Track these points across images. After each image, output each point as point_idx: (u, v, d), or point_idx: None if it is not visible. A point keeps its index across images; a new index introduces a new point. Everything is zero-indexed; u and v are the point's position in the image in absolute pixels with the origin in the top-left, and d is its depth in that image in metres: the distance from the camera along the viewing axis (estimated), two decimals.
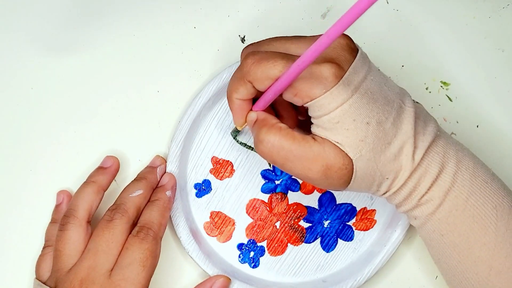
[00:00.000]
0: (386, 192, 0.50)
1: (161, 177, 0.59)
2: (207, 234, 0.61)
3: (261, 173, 0.61)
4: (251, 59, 0.49)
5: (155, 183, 0.59)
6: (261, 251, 0.61)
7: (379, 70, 0.50)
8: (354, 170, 0.48)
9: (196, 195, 0.61)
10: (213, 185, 0.61)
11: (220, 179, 0.61)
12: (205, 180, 0.61)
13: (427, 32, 0.61)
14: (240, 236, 0.61)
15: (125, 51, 0.62)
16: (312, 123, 0.49)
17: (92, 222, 0.57)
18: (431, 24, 0.61)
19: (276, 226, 0.61)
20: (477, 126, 0.61)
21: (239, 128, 0.53)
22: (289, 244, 0.61)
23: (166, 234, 0.59)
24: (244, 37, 0.62)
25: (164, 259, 0.60)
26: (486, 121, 0.61)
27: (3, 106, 0.62)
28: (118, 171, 0.60)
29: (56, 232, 0.56)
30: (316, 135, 0.49)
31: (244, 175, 0.61)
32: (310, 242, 0.61)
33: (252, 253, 0.61)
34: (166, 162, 0.60)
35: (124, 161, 0.61)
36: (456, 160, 0.50)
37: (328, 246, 0.61)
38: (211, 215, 0.61)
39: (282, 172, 0.61)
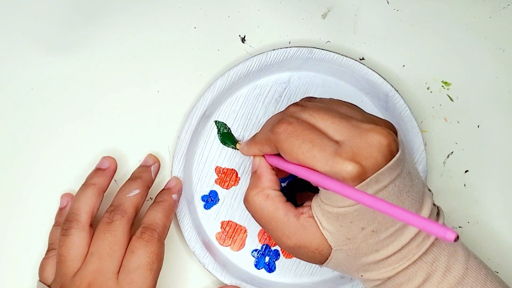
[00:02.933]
0: (363, 282, 0.51)
1: (155, 175, 0.59)
2: (220, 244, 0.60)
3: None
4: (284, 127, 0.48)
5: (151, 181, 0.59)
6: (276, 255, 0.60)
7: (409, 173, 0.48)
8: (329, 258, 0.49)
9: (205, 207, 0.60)
10: (220, 195, 0.60)
11: (226, 188, 0.60)
12: (211, 191, 0.60)
13: (427, 32, 0.62)
14: (253, 242, 0.60)
15: (125, 51, 0.61)
16: (315, 197, 0.49)
17: (93, 225, 0.56)
18: (431, 24, 0.62)
19: None
20: (478, 126, 0.63)
21: (241, 152, 0.54)
22: None
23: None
24: (244, 37, 0.62)
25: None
26: (487, 121, 0.62)
27: (3, 106, 0.61)
28: (115, 172, 0.59)
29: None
30: (305, 212, 0.49)
31: None
32: None
33: (267, 258, 0.60)
34: (159, 160, 0.60)
35: (124, 161, 0.61)
36: (445, 268, 0.49)
37: None
38: (221, 225, 0.60)
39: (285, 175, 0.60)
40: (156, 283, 0.53)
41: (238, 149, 0.59)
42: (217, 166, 0.60)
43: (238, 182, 0.60)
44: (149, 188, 0.58)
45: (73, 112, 0.61)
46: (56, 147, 0.61)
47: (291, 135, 0.47)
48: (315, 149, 0.46)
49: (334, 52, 0.59)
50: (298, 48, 0.59)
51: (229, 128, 0.60)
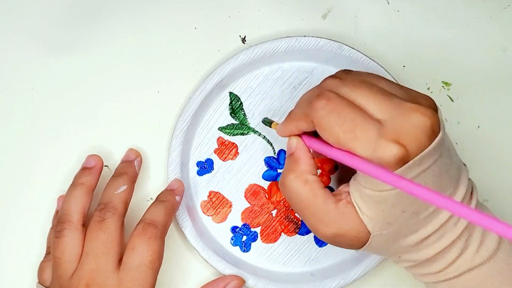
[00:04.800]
0: (399, 263, 0.50)
1: (139, 169, 0.59)
2: (203, 212, 0.61)
3: (265, 160, 0.61)
4: (324, 103, 0.46)
5: (136, 176, 0.59)
6: (254, 237, 0.61)
7: (449, 151, 0.47)
8: (368, 243, 0.48)
9: (198, 173, 0.61)
10: (215, 165, 0.61)
11: (223, 160, 0.61)
12: (208, 159, 0.61)
13: (428, 33, 0.62)
14: (235, 219, 0.61)
15: (125, 52, 0.62)
16: (353, 180, 0.48)
17: (86, 224, 0.56)
18: (432, 25, 0.62)
19: (272, 214, 0.61)
20: (478, 127, 0.61)
21: (278, 133, 0.53)
22: (282, 234, 0.61)
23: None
24: (244, 37, 0.62)
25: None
26: (487, 122, 0.61)
27: (3, 106, 0.62)
28: (102, 169, 0.59)
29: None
30: (343, 198, 0.48)
31: (248, 160, 0.61)
32: (303, 235, 0.61)
33: (244, 237, 0.61)
34: (140, 154, 0.60)
35: None
36: (479, 243, 0.47)
37: (321, 241, 0.61)
38: (209, 195, 0.61)
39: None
40: (156, 281, 0.53)
41: (253, 132, 0.61)
42: (220, 137, 0.61)
43: (236, 157, 0.61)
44: (135, 182, 0.58)
45: (74, 112, 0.61)
46: (56, 148, 0.61)
47: (331, 112, 0.45)
48: (357, 129, 0.44)
49: (362, 53, 0.59)
50: (329, 40, 0.59)
51: (241, 103, 0.61)
